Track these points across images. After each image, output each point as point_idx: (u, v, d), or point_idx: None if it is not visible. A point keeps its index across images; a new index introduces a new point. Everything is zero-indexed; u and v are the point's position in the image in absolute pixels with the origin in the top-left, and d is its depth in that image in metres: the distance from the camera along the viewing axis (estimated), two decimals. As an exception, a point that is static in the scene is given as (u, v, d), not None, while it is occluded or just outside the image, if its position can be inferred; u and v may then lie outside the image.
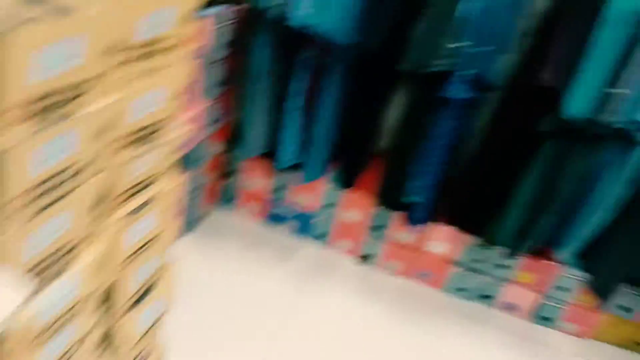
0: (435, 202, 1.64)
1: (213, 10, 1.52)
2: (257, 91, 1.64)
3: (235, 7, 1.63)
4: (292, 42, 1.50)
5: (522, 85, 1.38)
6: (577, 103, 1.33)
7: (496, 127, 1.56)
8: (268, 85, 1.63)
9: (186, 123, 0.96)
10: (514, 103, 1.48)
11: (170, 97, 0.84)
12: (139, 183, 0.84)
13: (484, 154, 1.62)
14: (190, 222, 1.88)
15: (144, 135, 0.80)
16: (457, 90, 1.39)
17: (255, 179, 2.02)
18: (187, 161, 1.73)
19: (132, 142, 0.78)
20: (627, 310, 1.76)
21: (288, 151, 1.76)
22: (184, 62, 0.82)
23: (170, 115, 0.86)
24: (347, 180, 1.77)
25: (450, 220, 1.75)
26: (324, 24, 1.42)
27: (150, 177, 0.87)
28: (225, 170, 2.04)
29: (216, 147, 1.92)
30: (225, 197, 2.10)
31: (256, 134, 1.73)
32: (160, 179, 0.90)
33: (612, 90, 1.30)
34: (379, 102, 1.62)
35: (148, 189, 0.87)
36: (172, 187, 0.93)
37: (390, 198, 1.70)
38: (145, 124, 0.79)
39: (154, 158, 0.86)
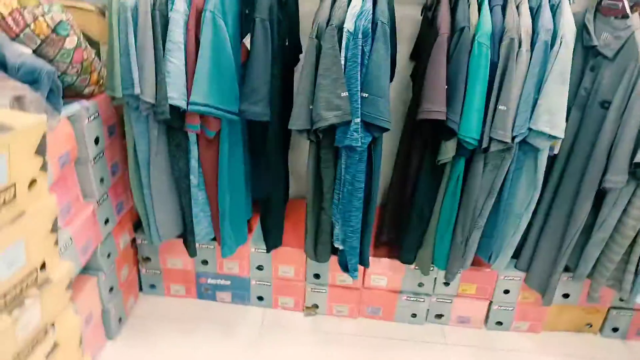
0: (365, 245, 1.58)
1: (74, 107, 1.38)
2: (150, 176, 1.50)
3: (96, 98, 1.49)
4: (172, 121, 1.38)
5: (419, 122, 1.34)
6: (470, 125, 1.31)
7: (403, 161, 1.53)
8: (159, 169, 1.50)
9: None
10: (414, 137, 1.45)
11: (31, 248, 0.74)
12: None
13: (399, 186, 1.59)
14: (115, 324, 1.72)
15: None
16: (351, 139, 1.33)
17: (176, 258, 1.88)
18: (94, 265, 1.59)
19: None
20: (567, 296, 1.79)
21: (200, 230, 1.64)
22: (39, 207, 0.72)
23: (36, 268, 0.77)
24: (273, 243, 1.68)
25: (387, 253, 1.74)
26: (206, 101, 1.32)
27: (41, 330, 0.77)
28: (142, 257, 1.90)
29: (125, 237, 1.78)
30: (148, 284, 1.95)
31: (162, 219, 1.60)
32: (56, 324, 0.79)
33: (499, 107, 1.30)
34: (280, 158, 1.54)
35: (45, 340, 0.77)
36: (70, 328, 0.84)
37: (317, 249, 1.63)
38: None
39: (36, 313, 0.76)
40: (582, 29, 1.46)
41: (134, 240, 1.87)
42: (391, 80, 1.76)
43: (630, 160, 1.34)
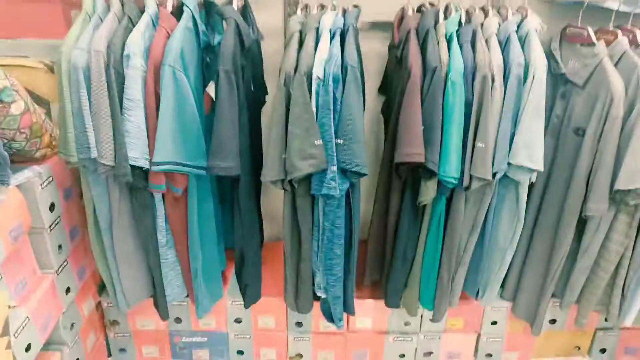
0: (348, 292, 1.51)
1: (24, 174, 1.26)
2: (114, 240, 1.39)
3: (49, 161, 1.38)
4: (134, 182, 1.28)
5: (397, 164, 1.30)
6: (449, 165, 1.27)
7: (382, 202, 1.48)
8: (122, 231, 1.39)
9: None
10: (392, 178, 1.40)
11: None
12: None
13: (379, 227, 1.54)
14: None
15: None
16: (329, 187, 1.27)
17: (146, 319, 1.76)
18: (56, 339, 1.46)
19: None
20: (554, 322, 1.77)
21: (172, 290, 1.54)
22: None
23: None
24: (251, 298, 1.58)
25: (371, 294, 1.69)
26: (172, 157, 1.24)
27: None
28: (109, 320, 1.76)
29: (89, 303, 1.64)
30: (117, 349, 1.81)
31: (129, 284, 1.48)
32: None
33: (478, 145, 1.27)
34: (253, 207, 1.46)
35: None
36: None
37: (299, 300, 1.54)
38: None
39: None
40: (549, 57, 1.45)
41: (99, 303, 1.73)
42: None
43: (610, 188, 1.33)
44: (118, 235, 1.39)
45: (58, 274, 1.42)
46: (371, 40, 1.76)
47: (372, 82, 1.81)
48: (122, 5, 1.27)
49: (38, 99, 1.39)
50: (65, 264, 1.46)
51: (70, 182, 1.46)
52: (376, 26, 1.71)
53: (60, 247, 1.43)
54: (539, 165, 1.29)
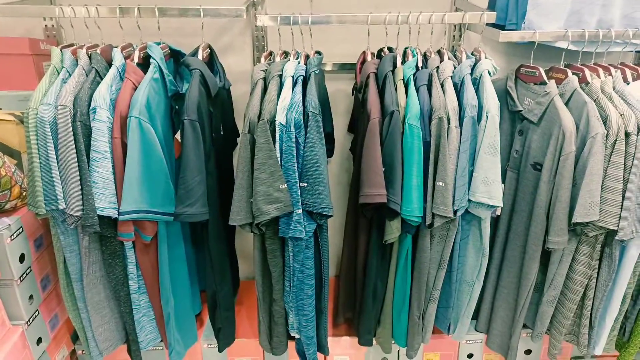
0: (321, 332, 1.52)
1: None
2: (85, 289, 1.39)
3: (19, 212, 1.39)
4: (103, 231, 1.30)
5: (362, 204, 1.33)
6: (411, 204, 1.31)
7: (350, 241, 1.51)
8: (93, 280, 1.40)
9: None
10: (359, 217, 1.44)
11: None
12: None
13: (349, 266, 1.56)
14: None
15: None
16: (295, 230, 1.30)
17: (123, 364, 1.74)
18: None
19: None
20: (529, 352, 1.79)
21: (145, 337, 1.53)
22: None
23: None
24: (225, 342, 1.58)
25: (346, 331, 1.70)
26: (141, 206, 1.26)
27: None
28: (85, 369, 1.74)
29: (63, 352, 1.63)
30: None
31: (102, 333, 1.48)
32: None
33: (438, 184, 1.31)
34: (225, 250, 1.48)
35: None
36: None
37: (273, 341, 1.55)
38: None
39: None
40: (506, 95, 1.52)
41: (73, 351, 1.72)
42: (331, 155, 1.77)
43: (568, 220, 1.37)
44: (89, 284, 1.40)
45: (29, 325, 1.42)
46: (339, 81, 1.82)
47: (342, 121, 1.87)
48: (90, 58, 1.31)
49: (9, 151, 1.42)
50: (36, 314, 1.46)
51: (42, 231, 1.47)
52: (344, 68, 1.78)
53: (31, 297, 1.43)
54: (498, 202, 1.33)
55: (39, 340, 1.47)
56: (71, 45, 1.38)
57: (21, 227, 1.36)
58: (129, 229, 1.30)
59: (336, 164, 1.96)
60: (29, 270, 1.41)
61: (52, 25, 1.67)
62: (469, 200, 1.36)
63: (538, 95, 1.44)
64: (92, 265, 1.38)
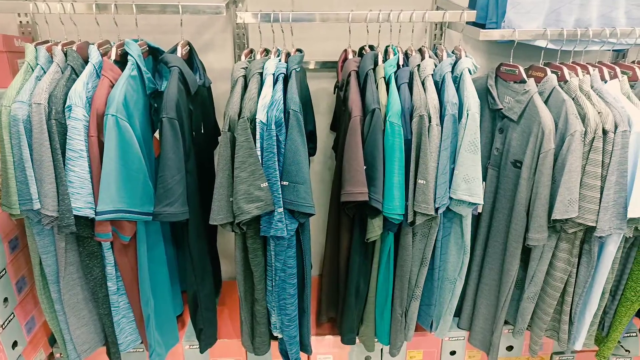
0: (304, 332, 1.51)
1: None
2: (61, 291, 1.36)
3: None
4: (80, 232, 1.27)
5: (343, 203, 1.33)
6: (392, 202, 1.31)
7: (333, 238, 1.50)
8: (70, 282, 1.37)
9: None
10: (341, 215, 1.43)
11: None
12: None
13: (332, 264, 1.56)
14: None
15: None
16: (277, 229, 1.29)
17: (102, 367, 1.71)
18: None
19: None
20: (511, 348, 1.81)
21: (124, 338, 1.50)
22: None
23: None
24: (206, 342, 1.56)
25: (329, 330, 1.70)
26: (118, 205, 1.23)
27: None
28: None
29: (40, 356, 1.59)
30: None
31: (79, 335, 1.45)
32: None
33: (419, 182, 1.31)
34: (205, 250, 1.46)
35: None
36: None
37: (255, 341, 1.53)
38: None
39: None
40: (486, 94, 1.53)
41: (51, 355, 1.68)
42: (313, 154, 1.77)
43: (548, 217, 1.38)
44: (66, 286, 1.37)
45: (3, 328, 1.38)
46: (321, 80, 1.82)
47: (324, 119, 1.86)
48: (65, 55, 1.28)
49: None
50: (11, 317, 1.43)
51: (17, 232, 1.43)
52: (326, 66, 1.77)
53: (5, 299, 1.39)
54: (479, 199, 1.33)
55: (15, 344, 1.44)
56: (46, 42, 1.35)
57: (-6, 228, 1.33)
58: (107, 229, 1.27)
59: (319, 162, 1.96)
60: (3, 272, 1.37)
61: (27, 22, 1.63)
62: (450, 198, 1.36)
63: (518, 94, 1.45)
64: (69, 266, 1.35)
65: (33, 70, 1.26)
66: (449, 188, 1.36)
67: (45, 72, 1.25)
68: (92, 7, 1.33)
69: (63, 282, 1.35)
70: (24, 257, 1.47)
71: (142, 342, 1.56)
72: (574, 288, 1.53)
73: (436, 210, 1.34)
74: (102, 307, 1.44)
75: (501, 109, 1.48)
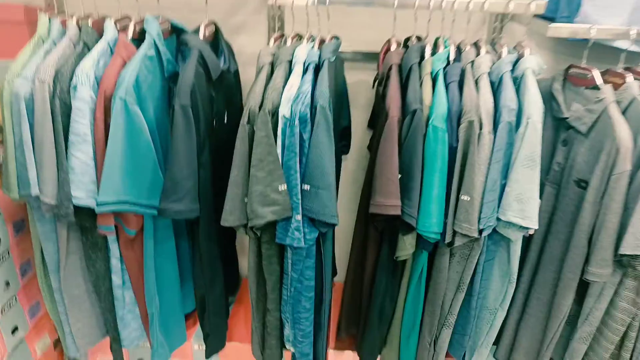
0: (319, 350, 1.37)
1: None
2: (62, 281, 1.28)
3: None
4: (81, 222, 1.18)
5: (373, 215, 1.16)
6: (429, 219, 1.13)
7: (358, 252, 1.34)
8: (72, 272, 1.28)
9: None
10: (369, 226, 1.27)
11: None
12: None
13: (355, 280, 1.40)
14: None
15: None
16: (293, 238, 1.14)
17: (109, 358, 1.63)
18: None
19: None
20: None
21: (128, 334, 1.41)
22: None
23: None
24: (212, 348, 1.45)
25: (349, 345, 1.56)
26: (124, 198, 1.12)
27: None
28: (68, 358, 1.64)
29: (44, 341, 1.53)
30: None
31: (80, 328, 1.37)
32: None
33: (462, 197, 1.12)
34: (217, 252, 1.34)
35: None
36: None
37: (265, 353, 1.41)
38: None
39: None
40: (550, 98, 1.32)
41: (58, 341, 1.62)
42: (347, 152, 1.61)
43: (614, 251, 1.17)
44: (67, 276, 1.28)
45: (3, 313, 1.31)
46: (361, 71, 1.65)
47: (361, 115, 1.69)
48: (80, 29, 1.17)
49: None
50: (13, 301, 1.36)
51: (22, 214, 1.36)
52: (366, 57, 1.60)
53: (7, 283, 1.32)
54: (533, 223, 1.14)
55: (15, 329, 1.37)
56: (64, 14, 1.24)
57: (-2, 209, 1.25)
58: (109, 222, 1.17)
59: (353, 160, 1.79)
60: (6, 254, 1.30)
61: (54, -8, 1.54)
62: (498, 219, 1.17)
63: (589, 102, 1.23)
64: (72, 255, 1.26)
65: (44, 43, 1.16)
66: (498, 207, 1.16)
67: (55, 47, 1.15)
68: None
69: (63, 273, 1.26)
70: (30, 240, 1.39)
71: (147, 339, 1.47)
72: (638, 333, 1.30)
73: (480, 232, 1.15)
74: (105, 301, 1.35)
75: (567, 118, 1.26)
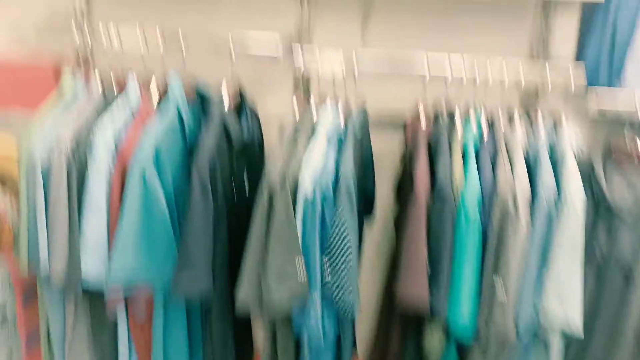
0: None
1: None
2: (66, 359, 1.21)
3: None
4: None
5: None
6: (459, 314, 1.03)
7: (381, 339, 1.24)
8: (77, 351, 1.21)
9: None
10: (393, 313, 1.17)
11: None
12: None
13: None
14: None
15: None
16: (314, 329, 1.05)
17: None
18: None
19: None
20: None
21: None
22: None
23: None
24: None
25: None
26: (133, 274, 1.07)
27: None
28: None
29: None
30: None
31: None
32: None
33: (499, 295, 1.02)
34: (231, 340, 1.25)
35: None
36: None
37: None
38: None
39: None
40: (589, 178, 1.22)
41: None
42: (371, 221, 1.53)
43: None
44: (72, 355, 1.20)
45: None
46: (387, 139, 1.58)
47: (386, 187, 1.61)
48: (104, 91, 1.16)
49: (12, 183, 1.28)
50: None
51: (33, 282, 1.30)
52: (392, 123, 1.54)
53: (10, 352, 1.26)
54: (577, 329, 1.02)
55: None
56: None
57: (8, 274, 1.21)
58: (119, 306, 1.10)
59: (378, 231, 1.70)
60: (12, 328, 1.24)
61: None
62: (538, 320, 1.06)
63: (635, 185, 1.14)
64: (77, 333, 1.18)
65: (66, 101, 1.14)
66: (537, 304, 1.05)
67: (76, 103, 1.13)
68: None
69: (68, 350, 1.18)
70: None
71: None
72: None
73: (517, 332, 1.04)
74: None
75: (610, 203, 1.17)
